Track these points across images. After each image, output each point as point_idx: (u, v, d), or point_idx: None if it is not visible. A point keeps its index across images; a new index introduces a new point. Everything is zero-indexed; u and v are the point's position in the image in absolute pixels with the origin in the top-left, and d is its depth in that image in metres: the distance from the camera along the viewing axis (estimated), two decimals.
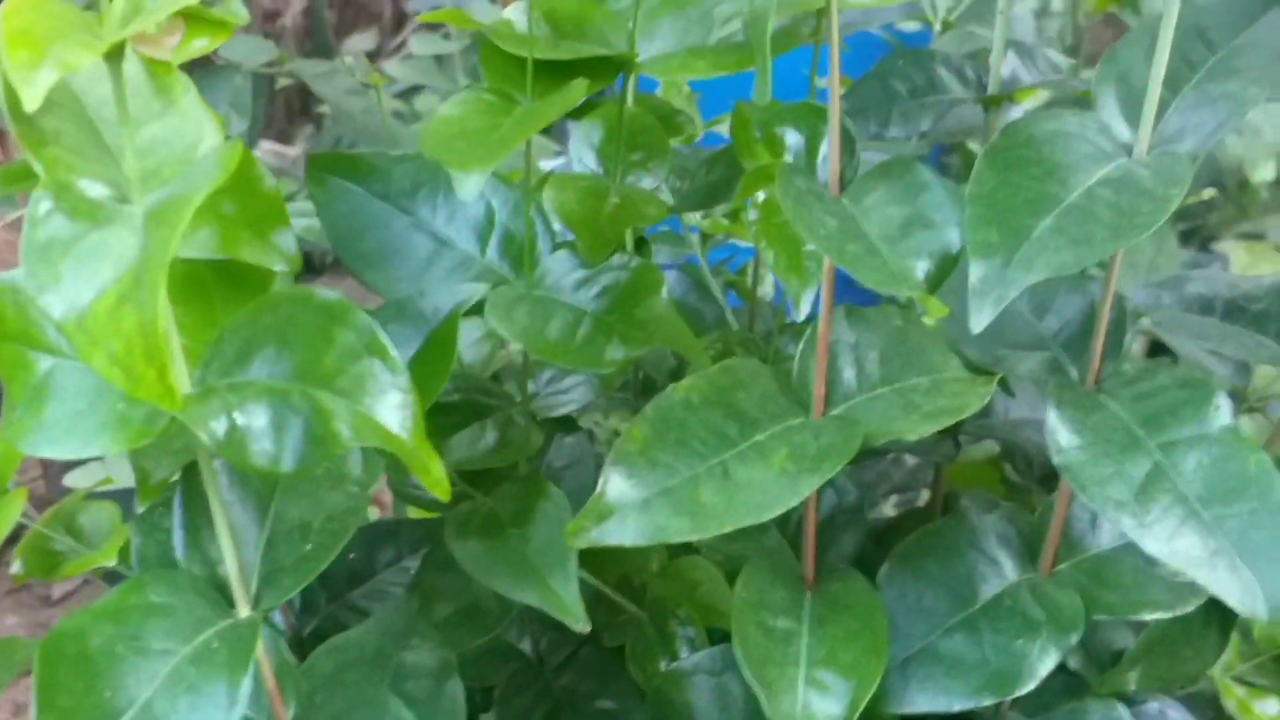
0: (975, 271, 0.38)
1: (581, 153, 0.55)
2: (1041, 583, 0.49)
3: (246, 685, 0.37)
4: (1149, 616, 0.48)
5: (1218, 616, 0.55)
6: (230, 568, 0.39)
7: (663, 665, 0.54)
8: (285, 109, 2.11)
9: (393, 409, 0.36)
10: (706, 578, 0.57)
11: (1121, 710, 0.52)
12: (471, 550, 0.49)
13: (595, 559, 0.57)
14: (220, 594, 0.40)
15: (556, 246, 0.52)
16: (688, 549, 0.58)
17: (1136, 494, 0.42)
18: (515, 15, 0.50)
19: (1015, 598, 0.49)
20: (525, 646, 0.61)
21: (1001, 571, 0.50)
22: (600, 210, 0.50)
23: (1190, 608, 0.48)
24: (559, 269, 0.50)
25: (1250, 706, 0.79)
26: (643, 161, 0.53)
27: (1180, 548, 0.41)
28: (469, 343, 0.64)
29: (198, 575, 0.40)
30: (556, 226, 0.52)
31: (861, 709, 0.44)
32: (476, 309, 0.48)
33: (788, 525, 0.50)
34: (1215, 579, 0.41)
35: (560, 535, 0.47)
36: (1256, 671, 0.81)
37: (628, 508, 0.41)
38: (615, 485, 0.41)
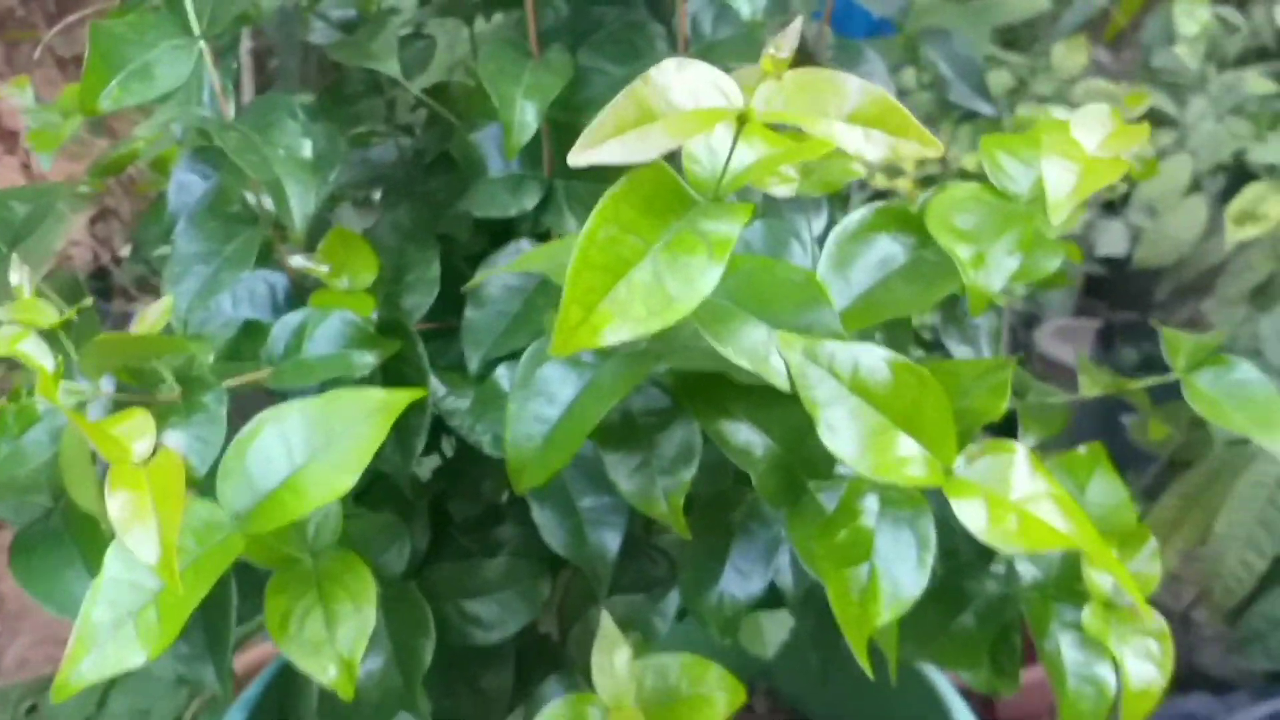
0: None
1: None
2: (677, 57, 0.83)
3: (197, 60, 0.72)
4: (737, 64, 0.81)
5: None
6: (190, 10, 0.74)
7: None
8: None
9: None
10: None
11: None
12: (344, 53, 0.84)
13: (443, 99, 0.92)
14: (186, 28, 0.75)
15: None
16: None
17: None
18: None
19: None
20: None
21: (656, 53, 0.83)
22: None
23: None
24: None
25: None
26: None
27: None
28: None
29: (174, 17, 0.75)
30: None
31: (543, 113, 0.78)
32: None
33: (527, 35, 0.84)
34: None
35: (388, 37, 0.82)
36: None
37: None
38: None
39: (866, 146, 0.53)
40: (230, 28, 0.76)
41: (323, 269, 0.80)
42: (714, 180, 0.58)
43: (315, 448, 0.62)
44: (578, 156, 0.54)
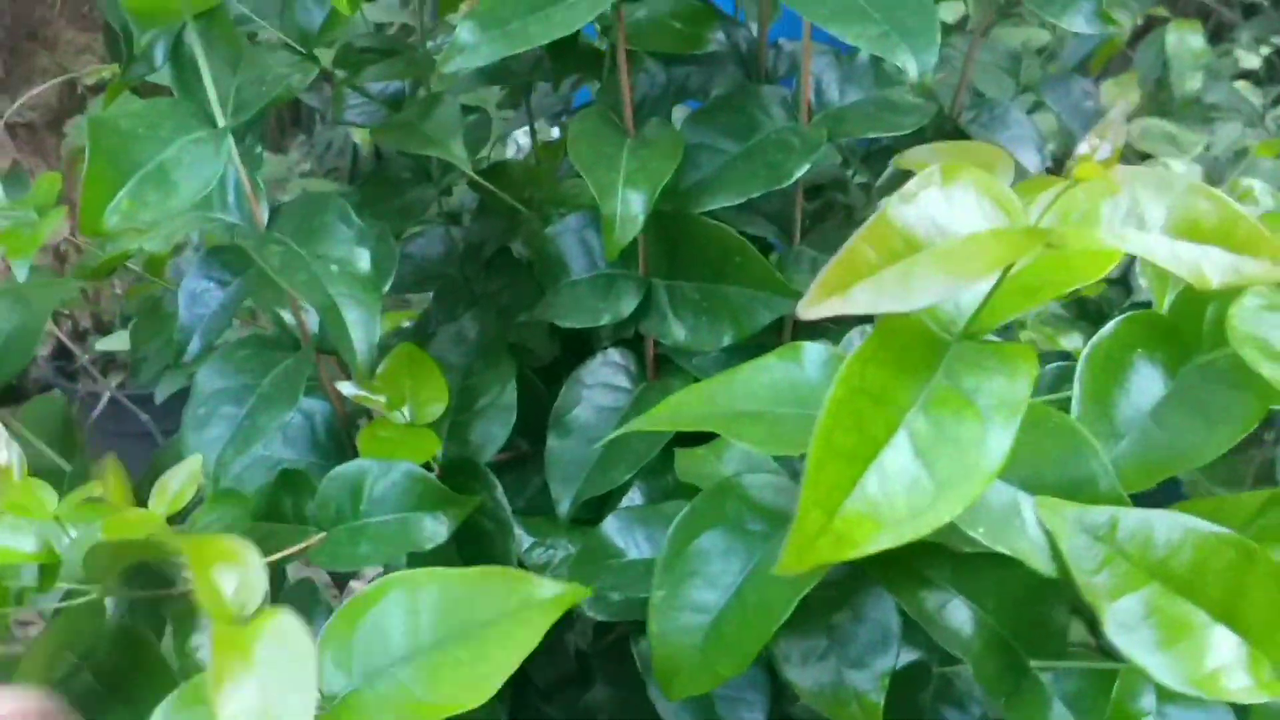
0: None
1: None
2: (800, 128, 0.68)
3: (225, 158, 0.57)
4: (872, 134, 0.67)
5: None
6: (212, 96, 0.59)
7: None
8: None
9: None
10: (575, 189, 0.76)
11: None
12: (394, 137, 0.68)
13: (501, 183, 0.77)
14: (206, 116, 0.59)
15: None
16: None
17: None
18: None
19: (781, 135, 0.68)
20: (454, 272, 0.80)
21: (775, 123, 0.69)
22: None
23: (903, 130, 0.67)
24: None
25: (1057, 339, 0.98)
26: None
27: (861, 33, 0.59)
28: None
29: (190, 104, 0.59)
30: None
31: (652, 204, 0.63)
32: None
33: (619, 106, 0.69)
34: (889, 51, 0.58)
35: (449, 113, 0.67)
36: (1062, 312, 1.00)
37: (475, 45, 0.60)
38: (465, 33, 0.60)
39: (1205, 268, 0.39)
40: (259, 115, 0.60)
41: (379, 399, 0.64)
42: (960, 315, 0.43)
43: (450, 634, 0.45)
44: (812, 309, 0.38)
